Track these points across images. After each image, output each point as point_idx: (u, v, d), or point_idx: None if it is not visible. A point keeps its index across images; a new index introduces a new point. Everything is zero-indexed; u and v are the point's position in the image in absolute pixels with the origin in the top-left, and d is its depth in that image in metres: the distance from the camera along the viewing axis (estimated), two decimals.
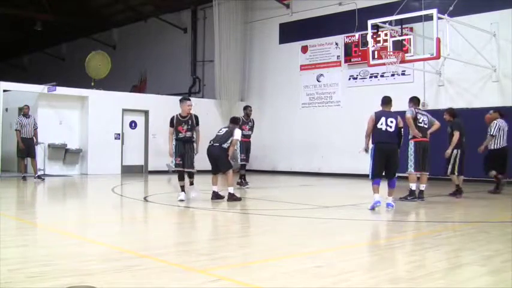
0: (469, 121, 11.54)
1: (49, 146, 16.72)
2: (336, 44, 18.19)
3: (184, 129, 9.25)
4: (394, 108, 8.75)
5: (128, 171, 18.08)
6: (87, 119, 17.44)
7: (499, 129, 11.18)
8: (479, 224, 7.38)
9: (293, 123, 19.31)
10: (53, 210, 9.19)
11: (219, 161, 9.54)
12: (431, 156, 9.75)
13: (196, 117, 9.39)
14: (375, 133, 8.37)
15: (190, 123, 9.27)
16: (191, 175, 9.59)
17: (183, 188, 9.42)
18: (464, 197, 10.35)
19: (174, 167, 9.48)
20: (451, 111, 10.70)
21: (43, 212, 9.00)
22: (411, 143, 9.57)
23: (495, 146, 11.18)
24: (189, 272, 4.29)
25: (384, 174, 8.39)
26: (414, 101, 9.89)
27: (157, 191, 12.79)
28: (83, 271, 4.21)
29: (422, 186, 9.67)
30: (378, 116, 8.39)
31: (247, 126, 12.71)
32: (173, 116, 9.38)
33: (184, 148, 9.28)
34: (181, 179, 9.44)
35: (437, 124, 9.83)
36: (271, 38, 20.21)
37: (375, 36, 13.63)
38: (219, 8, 19.97)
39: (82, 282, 3.83)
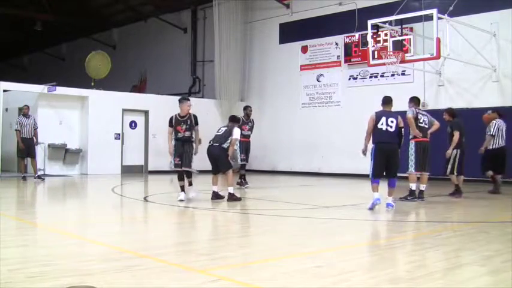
0: (469, 121, 11.54)
1: (49, 146, 16.73)
2: (336, 44, 18.19)
3: (183, 129, 9.24)
4: (394, 108, 8.74)
5: (128, 171, 18.08)
6: (87, 119, 17.44)
7: (498, 129, 11.19)
8: (479, 224, 7.38)
9: (293, 123, 19.31)
10: (53, 210, 9.19)
11: (219, 161, 9.54)
12: (431, 156, 9.76)
13: (195, 117, 9.37)
14: (375, 133, 8.36)
15: (189, 123, 9.27)
16: (189, 175, 9.57)
17: (182, 188, 9.41)
18: (464, 197, 10.35)
19: (173, 167, 9.47)
20: (451, 111, 10.71)
21: (43, 212, 9.00)
22: (412, 143, 9.57)
23: (493, 145, 11.19)
24: (189, 272, 4.29)
25: (384, 174, 8.40)
26: (414, 101, 9.89)
27: (157, 191, 12.79)
28: (83, 271, 4.21)
29: (423, 187, 9.67)
30: (378, 116, 8.39)
31: (247, 127, 12.70)
32: (172, 116, 9.38)
33: (183, 148, 9.27)
34: (180, 179, 9.44)
35: (436, 124, 9.84)
36: (271, 38, 20.21)
37: (374, 36, 13.63)
38: (219, 8, 19.97)
39: (82, 282, 3.83)
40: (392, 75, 16.34)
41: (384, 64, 13.64)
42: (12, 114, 16.91)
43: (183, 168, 9.33)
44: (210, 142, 9.65)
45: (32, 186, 13.20)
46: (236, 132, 9.65)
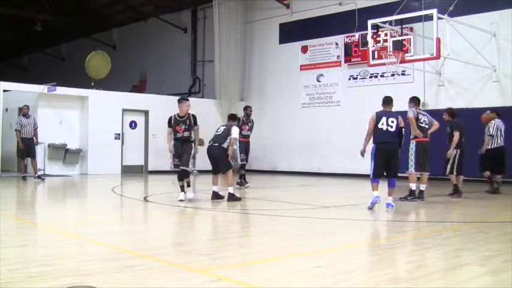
0: (469, 121, 11.54)
1: (49, 146, 16.72)
2: (336, 44, 18.19)
3: (182, 129, 9.24)
4: (394, 108, 8.74)
5: (128, 171, 18.08)
6: (87, 119, 17.44)
7: (497, 129, 11.19)
8: (479, 224, 7.38)
9: (293, 123, 19.31)
10: (53, 210, 9.19)
11: (219, 161, 9.54)
12: (431, 156, 9.75)
13: (194, 117, 9.35)
14: (375, 133, 8.37)
15: (188, 123, 9.26)
16: (187, 175, 9.54)
17: (182, 188, 9.41)
18: (464, 197, 10.35)
19: (172, 167, 9.46)
20: (451, 111, 10.71)
21: (43, 212, 9.00)
22: (413, 143, 9.57)
23: (491, 145, 11.19)
24: (189, 272, 4.29)
25: (384, 174, 8.40)
26: (414, 101, 9.89)
27: (157, 191, 12.79)
28: (83, 271, 4.22)
29: (423, 187, 9.67)
30: (378, 116, 8.39)
31: (247, 127, 12.71)
32: (171, 116, 9.37)
33: (182, 148, 9.27)
34: (180, 179, 9.43)
35: (436, 124, 9.85)
36: (271, 38, 20.21)
37: (374, 36, 13.63)
38: (219, 8, 19.97)
39: (82, 282, 3.83)
40: (392, 75, 16.34)
41: (384, 64, 13.64)
42: (12, 114, 16.91)
43: (181, 168, 9.33)
44: (209, 142, 9.66)
45: (32, 186, 13.20)
46: (235, 132, 9.63)
